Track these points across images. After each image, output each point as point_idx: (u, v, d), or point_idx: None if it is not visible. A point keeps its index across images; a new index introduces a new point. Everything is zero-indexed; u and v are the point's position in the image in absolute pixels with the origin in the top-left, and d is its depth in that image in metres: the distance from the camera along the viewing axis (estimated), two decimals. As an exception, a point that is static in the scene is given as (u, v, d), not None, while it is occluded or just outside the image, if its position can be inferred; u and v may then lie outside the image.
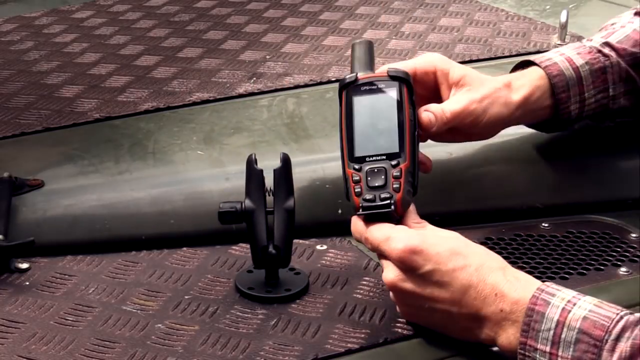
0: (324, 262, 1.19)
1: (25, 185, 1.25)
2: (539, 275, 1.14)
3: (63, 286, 1.13)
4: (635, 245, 1.21)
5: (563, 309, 0.93)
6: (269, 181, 1.11)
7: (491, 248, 1.19)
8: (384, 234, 1.03)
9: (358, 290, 1.13)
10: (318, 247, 1.22)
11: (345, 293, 1.12)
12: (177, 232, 1.23)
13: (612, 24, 1.34)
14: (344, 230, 1.14)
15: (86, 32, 1.96)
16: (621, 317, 0.91)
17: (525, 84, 1.22)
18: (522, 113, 1.22)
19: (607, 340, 0.89)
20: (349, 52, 1.77)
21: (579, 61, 1.25)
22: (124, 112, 1.52)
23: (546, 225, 1.26)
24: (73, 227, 1.22)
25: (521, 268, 1.15)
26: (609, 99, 1.27)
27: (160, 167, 1.33)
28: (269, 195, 1.11)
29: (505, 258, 1.17)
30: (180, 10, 2.08)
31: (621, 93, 1.28)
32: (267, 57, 1.77)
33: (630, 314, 0.91)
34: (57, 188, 1.26)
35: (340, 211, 1.24)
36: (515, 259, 1.17)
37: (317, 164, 1.28)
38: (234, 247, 1.22)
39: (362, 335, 1.04)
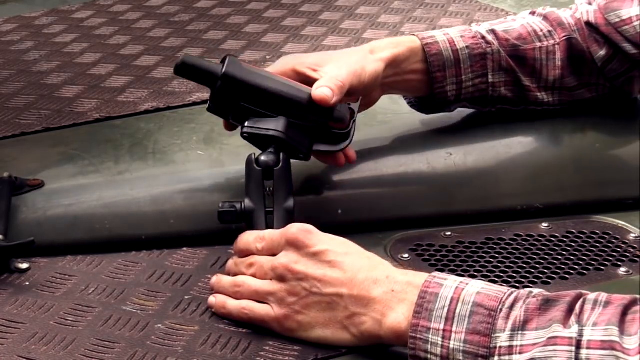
0: (324, 262, 1.19)
1: (25, 185, 1.25)
2: (538, 275, 1.14)
3: (63, 286, 1.13)
4: (635, 245, 1.21)
5: (457, 287, 0.94)
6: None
7: (491, 248, 1.20)
8: (279, 229, 1.06)
9: (358, 291, 1.12)
10: (318, 247, 1.22)
11: (345, 293, 1.12)
12: (177, 232, 1.23)
13: (508, 17, 1.38)
14: (344, 230, 1.13)
15: (86, 32, 1.96)
16: (512, 292, 0.93)
17: (388, 46, 1.24)
18: (395, 72, 1.23)
19: (501, 310, 0.91)
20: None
21: (461, 44, 1.28)
22: (124, 112, 1.52)
23: (546, 225, 1.26)
24: (73, 227, 1.22)
25: (521, 268, 1.15)
26: (487, 85, 1.29)
27: (160, 167, 1.33)
28: (269, 195, 1.11)
29: (505, 258, 1.18)
30: (180, 10, 2.09)
31: (501, 82, 1.30)
32: (267, 57, 1.77)
33: (520, 290, 0.93)
34: (57, 188, 1.26)
35: (340, 211, 1.24)
36: (515, 259, 1.17)
37: (317, 164, 1.28)
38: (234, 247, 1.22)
39: (362, 336, 1.04)
